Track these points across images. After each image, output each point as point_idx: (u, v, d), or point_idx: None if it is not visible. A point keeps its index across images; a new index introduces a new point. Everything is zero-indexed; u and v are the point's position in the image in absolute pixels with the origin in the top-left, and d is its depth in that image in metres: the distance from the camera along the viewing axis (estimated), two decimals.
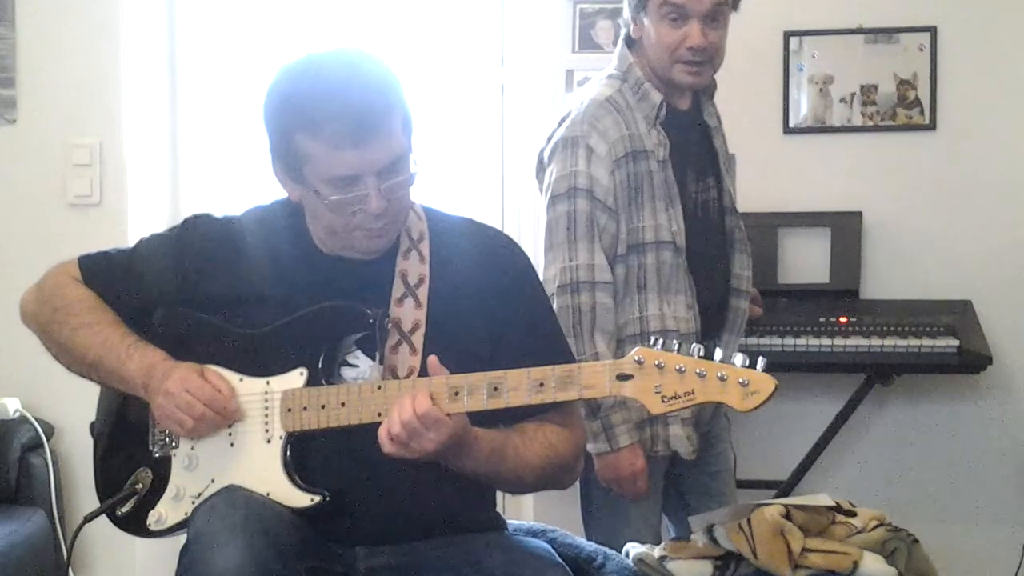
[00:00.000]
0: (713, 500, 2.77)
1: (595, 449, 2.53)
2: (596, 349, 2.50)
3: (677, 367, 1.71)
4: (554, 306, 2.44)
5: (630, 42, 2.64)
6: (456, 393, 1.78)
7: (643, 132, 2.57)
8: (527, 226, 3.60)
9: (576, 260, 2.52)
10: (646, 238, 2.55)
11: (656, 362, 1.71)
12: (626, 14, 2.64)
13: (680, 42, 2.53)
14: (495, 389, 1.78)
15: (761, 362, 1.70)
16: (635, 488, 2.56)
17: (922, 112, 3.52)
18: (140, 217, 3.61)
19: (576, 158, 2.54)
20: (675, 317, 2.56)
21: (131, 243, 2.16)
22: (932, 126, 3.52)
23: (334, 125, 1.82)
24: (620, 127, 2.55)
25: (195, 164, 3.81)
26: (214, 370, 1.94)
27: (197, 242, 2.05)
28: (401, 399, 1.78)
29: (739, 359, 1.69)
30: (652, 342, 1.74)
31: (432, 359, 1.81)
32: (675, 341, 1.74)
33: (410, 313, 1.94)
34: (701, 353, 1.71)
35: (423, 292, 1.96)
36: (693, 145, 2.67)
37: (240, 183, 3.73)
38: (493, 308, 1.97)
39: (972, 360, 3.17)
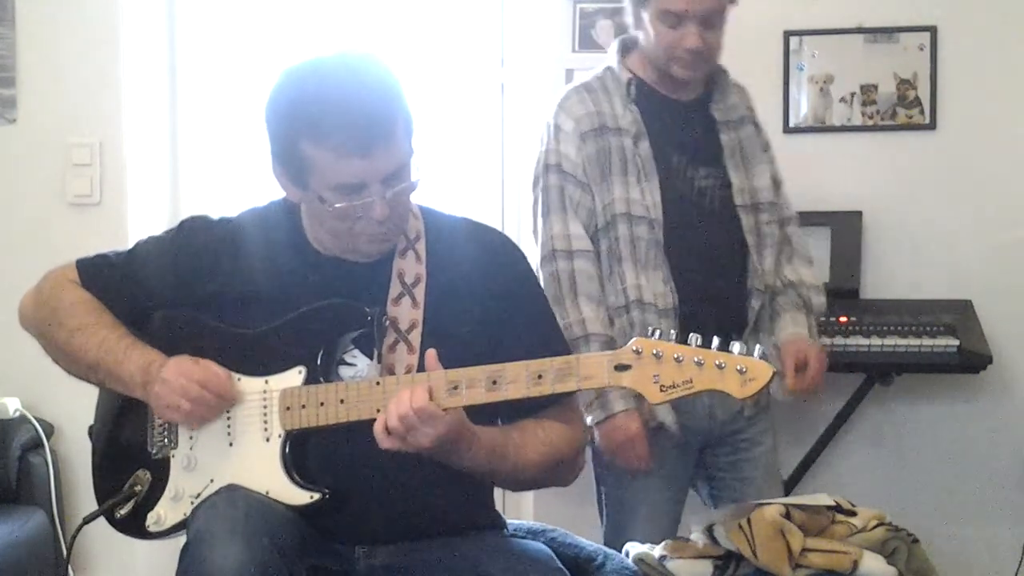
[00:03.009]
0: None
1: (592, 419, 2.54)
2: (582, 315, 2.54)
3: (675, 356, 1.71)
4: (540, 281, 2.47)
5: (624, 50, 2.71)
6: (455, 387, 1.78)
7: (618, 112, 2.64)
8: (527, 226, 3.59)
9: (551, 231, 2.61)
10: (617, 210, 2.60)
11: (654, 351, 1.72)
12: (627, 4, 2.68)
13: (677, 43, 2.58)
14: (494, 382, 1.78)
15: (758, 349, 1.71)
16: (635, 454, 2.55)
17: (922, 112, 3.52)
18: (140, 217, 3.62)
19: (548, 139, 2.67)
20: (653, 291, 2.58)
21: (131, 243, 2.16)
22: (932, 126, 3.51)
23: (340, 134, 1.81)
24: (586, 104, 2.65)
25: (195, 164, 3.81)
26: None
27: (194, 244, 2.05)
28: (399, 393, 1.78)
29: (736, 347, 1.70)
30: (650, 332, 1.74)
31: (430, 353, 1.80)
32: (672, 331, 1.75)
33: (407, 312, 1.94)
34: (699, 342, 1.72)
35: (420, 291, 1.96)
36: (681, 131, 2.69)
37: (240, 183, 3.73)
38: (490, 307, 1.97)
39: (972, 360, 3.16)
